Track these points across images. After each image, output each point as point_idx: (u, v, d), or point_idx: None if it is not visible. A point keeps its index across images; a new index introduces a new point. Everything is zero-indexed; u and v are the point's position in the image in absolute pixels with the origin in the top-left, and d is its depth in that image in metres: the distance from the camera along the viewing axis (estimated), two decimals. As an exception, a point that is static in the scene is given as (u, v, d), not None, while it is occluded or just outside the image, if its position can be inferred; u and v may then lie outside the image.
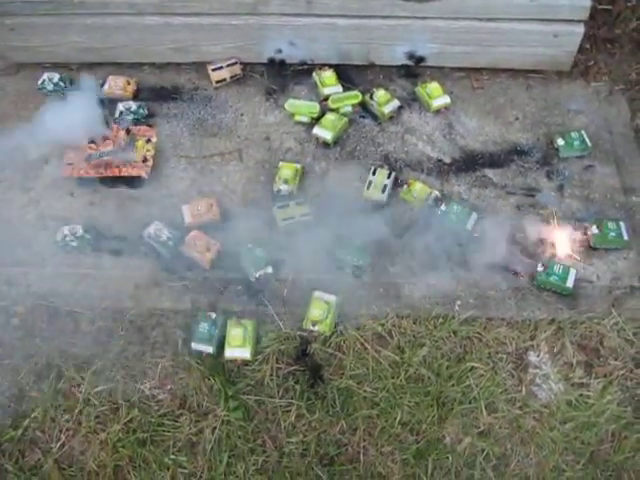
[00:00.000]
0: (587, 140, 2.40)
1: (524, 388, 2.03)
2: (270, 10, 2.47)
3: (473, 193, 2.34)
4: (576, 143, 2.40)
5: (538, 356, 2.07)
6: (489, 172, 2.39)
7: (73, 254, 2.21)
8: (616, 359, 2.06)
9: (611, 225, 2.21)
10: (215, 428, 1.98)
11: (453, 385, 2.02)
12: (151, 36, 2.56)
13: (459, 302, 2.13)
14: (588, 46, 2.68)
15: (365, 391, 2.02)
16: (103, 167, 2.28)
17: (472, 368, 2.04)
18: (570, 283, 2.11)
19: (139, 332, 2.10)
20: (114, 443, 1.98)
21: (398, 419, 1.99)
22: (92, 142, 2.27)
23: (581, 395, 2.01)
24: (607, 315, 2.11)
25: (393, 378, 2.03)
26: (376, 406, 2.00)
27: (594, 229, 2.21)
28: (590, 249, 2.22)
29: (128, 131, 2.34)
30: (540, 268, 2.13)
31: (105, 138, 2.29)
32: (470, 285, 2.16)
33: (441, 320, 2.10)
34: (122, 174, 2.30)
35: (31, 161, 2.41)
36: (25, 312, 2.13)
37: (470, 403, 2.01)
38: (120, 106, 2.48)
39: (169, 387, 2.04)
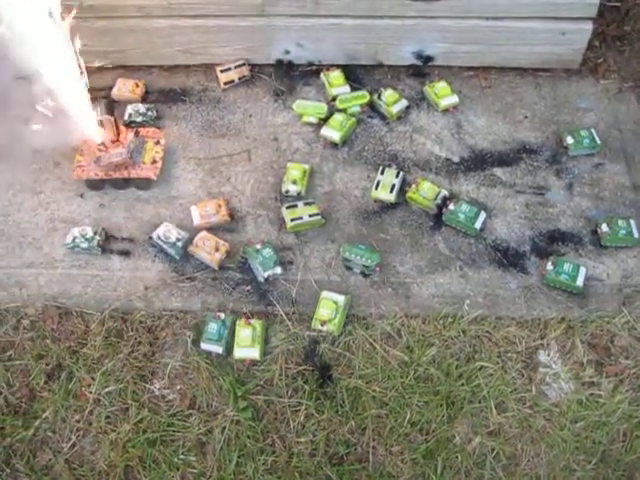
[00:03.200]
0: (596, 138, 2.39)
1: (534, 387, 2.02)
2: (277, 11, 2.48)
3: (482, 192, 2.34)
4: (585, 141, 2.39)
5: (548, 355, 2.06)
6: (498, 171, 2.39)
7: (83, 256, 2.22)
8: (627, 358, 2.05)
9: (621, 223, 2.20)
10: (224, 428, 1.98)
11: (462, 384, 2.02)
12: (159, 39, 2.57)
13: (468, 301, 2.13)
14: (597, 44, 2.67)
15: (374, 391, 2.01)
16: (112, 169, 2.28)
17: (481, 367, 2.03)
18: (580, 281, 2.10)
19: (149, 333, 2.11)
20: (124, 443, 1.98)
21: (407, 419, 1.98)
22: (101, 144, 2.28)
23: (592, 394, 2.00)
24: (618, 314, 2.09)
25: (402, 378, 2.03)
26: (385, 406, 2.00)
27: (604, 227, 2.20)
28: (600, 247, 2.21)
29: (137, 133, 2.35)
30: (550, 266, 2.12)
31: (114, 140, 2.29)
32: (479, 284, 2.16)
33: (450, 319, 2.09)
34: (131, 176, 2.30)
35: (42, 163, 2.43)
36: (36, 313, 2.14)
37: (480, 402, 2.00)
38: (129, 108, 2.49)
39: (179, 387, 2.05)
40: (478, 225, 2.22)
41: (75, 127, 2.23)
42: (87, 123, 2.24)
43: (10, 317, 2.14)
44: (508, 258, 2.20)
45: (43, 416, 2.03)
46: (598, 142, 2.39)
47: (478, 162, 2.41)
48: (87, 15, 2.47)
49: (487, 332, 2.08)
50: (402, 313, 2.10)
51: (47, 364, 2.09)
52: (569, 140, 2.39)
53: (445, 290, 2.15)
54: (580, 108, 2.54)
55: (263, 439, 1.98)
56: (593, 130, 2.41)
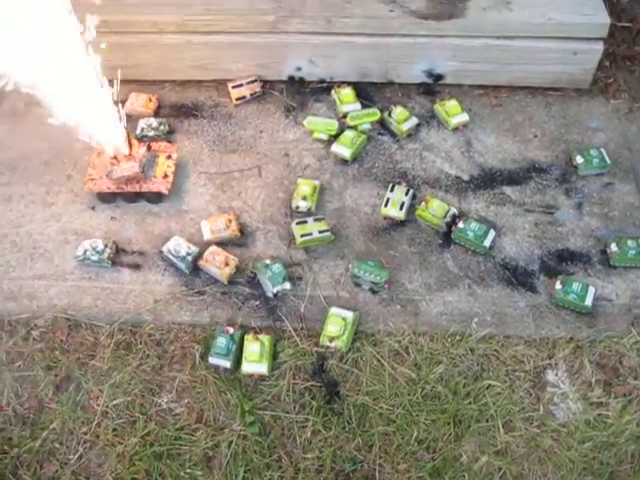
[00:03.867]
0: (606, 158, 2.40)
1: (542, 407, 2.01)
2: (290, 29, 2.51)
3: (491, 210, 2.34)
4: (595, 161, 2.39)
5: (556, 375, 2.06)
6: (507, 189, 2.40)
7: (93, 268, 2.23)
8: (635, 378, 2.04)
9: (631, 243, 2.20)
10: (231, 443, 1.99)
11: (470, 403, 2.01)
12: (172, 54, 2.60)
13: (476, 319, 2.13)
14: (607, 63, 2.68)
15: (381, 408, 2.01)
16: (124, 183, 2.30)
17: (489, 386, 2.03)
18: (589, 301, 2.10)
19: (157, 346, 2.12)
20: (131, 456, 1.99)
21: (414, 436, 1.98)
22: (114, 158, 2.30)
23: (600, 415, 1.99)
24: (627, 334, 2.09)
25: (409, 395, 2.03)
26: (392, 423, 2.00)
27: (613, 247, 2.20)
28: (610, 267, 2.21)
29: (149, 147, 2.37)
30: (558, 286, 2.12)
31: (126, 154, 2.31)
32: (488, 302, 2.16)
33: (458, 337, 2.10)
34: (142, 190, 2.32)
35: (54, 175, 2.45)
36: (45, 325, 2.15)
37: (487, 421, 2.00)
38: (141, 123, 2.51)
39: (186, 401, 2.05)
40: (487, 243, 2.22)
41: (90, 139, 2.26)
42: (104, 136, 2.27)
43: (20, 328, 2.15)
44: (517, 277, 2.20)
45: (51, 427, 2.04)
46: (608, 162, 2.40)
47: (488, 180, 2.42)
48: (102, 30, 2.49)
49: (495, 350, 2.08)
50: (410, 330, 2.11)
51: (56, 375, 2.10)
52: (579, 159, 2.40)
53: (453, 308, 2.15)
54: (590, 127, 2.55)
55: (270, 454, 1.98)
56: (603, 150, 2.42)
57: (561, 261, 2.24)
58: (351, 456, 1.97)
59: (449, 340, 2.09)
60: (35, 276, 2.24)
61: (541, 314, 2.13)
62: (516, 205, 2.36)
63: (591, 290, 2.12)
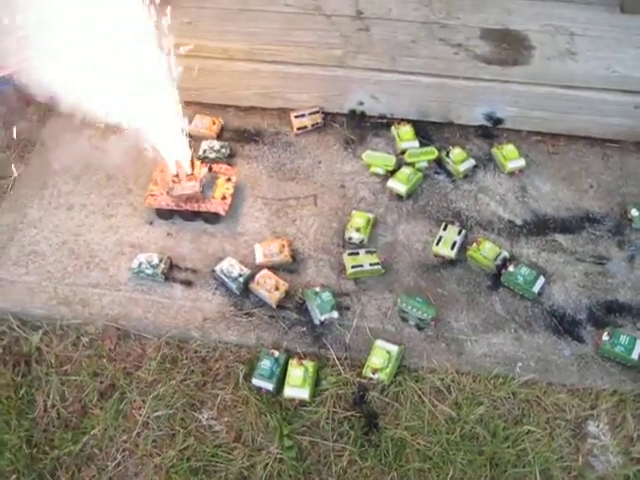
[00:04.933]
0: (662, 212, 2.40)
1: (581, 457, 2.00)
2: (356, 64, 2.56)
3: (542, 257, 2.35)
4: (651, 214, 2.39)
5: (598, 426, 2.04)
6: (559, 237, 2.40)
7: (146, 281, 2.29)
8: (678, 437, 2.02)
9: (682, 301, 2.19)
10: (267, 464, 2.00)
11: (508, 447, 2.01)
12: (239, 80, 2.67)
13: (520, 364, 2.13)
14: (668, 120, 2.68)
15: (419, 444, 2.01)
16: (183, 201, 2.36)
17: (529, 432, 2.02)
18: (636, 355, 2.09)
19: (202, 363, 2.16)
20: (168, 468, 2.02)
21: (450, 475, 1.98)
22: (176, 176, 2.36)
23: (639, 471, 1.97)
24: (672, 391, 2.07)
25: (448, 434, 2.03)
26: (429, 460, 2.00)
27: (664, 303, 2.19)
28: (658, 322, 2.20)
29: (210, 168, 2.43)
30: (606, 337, 2.11)
31: (188, 174, 2.38)
32: (533, 348, 2.15)
33: (501, 380, 2.09)
34: (201, 209, 2.38)
35: (115, 189, 2.53)
36: (96, 332, 2.21)
37: (524, 467, 1.99)
38: (204, 144, 2.58)
39: (226, 419, 2.08)
40: (536, 289, 2.22)
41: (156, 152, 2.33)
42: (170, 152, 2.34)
43: (71, 333, 2.21)
44: (564, 325, 2.20)
45: (92, 432, 2.08)
46: (663, 216, 2.39)
47: (540, 227, 2.42)
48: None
49: (537, 397, 2.07)
50: (453, 369, 2.11)
51: (101, 382, 2.15)
52: (634, 213, 2.40)
53: (498, 350, 2.15)
54: (647, 182, 2.55)
55: (304, 480, 2.00)
56: (659, 205, 2.42)
57: (609, 312, 2.23)
58: (385, 489, 1.98)
59: (491, 382, 2.09)
60: (90, 284, 2.30)
61: (586, 364, 2.12)
62: (567, 253, 2.36)
63: (638, 344, 2.10)
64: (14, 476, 2.05)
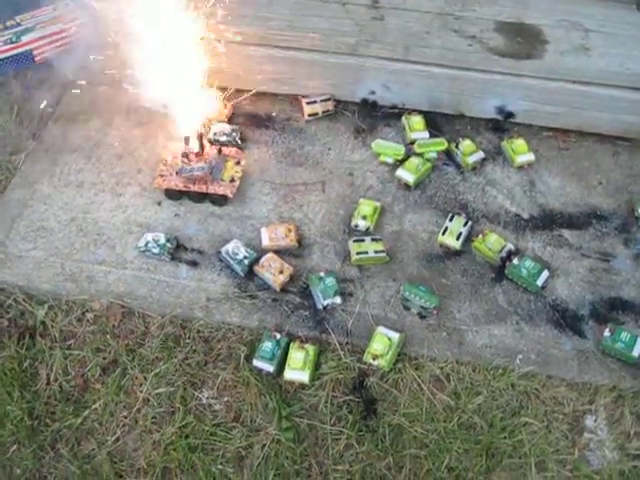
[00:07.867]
0: (669, 210, 2.40)
1: (577, 451, 2.00)
2: (369, 53, 2.57)
3: (547, 251, 2.35)
4: (658, 213, 2.39)
5: (595, 421, 2.04)
6: (566, 232, 2.40)
7: (153, 260, 2.30)
8: (676, 435, 2.02)
9: (686, 299, 2.18)
10: (265, 445, 2.02)
11: (505, 437, 2.02)
12: (252, 65, 2.67)
13: (520, 356, 2.13)
14: (680, 119, 2.67)
15: (416, 431, 2.03)
16: (192, 182, 2.38)
17: (526, 423, 2.03)
18: (636, 352, 2.09)
19: (205, 342, 2.17)
20: (166, 445, 2.04)
21: (445, 463, 1.99)
22: (185, 156, 2.38)
23: (635, 467, 1.98)
24: (671, 389, 2.08)
25: (445, 422, 2.04)
26: (425, 447, 2.01)
27: (667, 302, 2.19)
28: (660, 320, 2.20)
29: (220, 151, 2.45)
30: (607, 333, 2.11)
31: (198, 154, 2.39)
32: (533, 341, 2.16)
33: (500, 371, 2.10)
34: (209, 191, 2.39)
35: (125, 168, 2.55)
36: (100, 309, 2.23)
37: (520, 458, 2.00)
38: (215, 127, 2.59)
39: (226, 399, 2.10)
40: (540, 283, 2.23)
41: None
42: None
43: (76, 309, 2.23)
44: (566, 319, 2.20)
45: (93, 407, 2.11)
46: (671, 215, 2.39)
47: (547, 221, 2.42)
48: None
49: (536, 389, 2.08)
50: (453, 358, 2.12)
51: (104, 358, 2.17)
52: (641, 211, 2.40)
53: (499, 342, 2.16)
54: (656, 180, 2.54)
55: (301, 462, 2.01)
56: (667, 204, 2.41)
57: (612, 309, 2.23)
58: (380, 474, 1.99)
59: (491, 373, 2.10)
60: (96, 261, 2.32)
61: (586, 359, 2.13)
62: (573, 249, 2.36)
63: (639, 341, 2.11)
64: (15, 447, 2.09)
